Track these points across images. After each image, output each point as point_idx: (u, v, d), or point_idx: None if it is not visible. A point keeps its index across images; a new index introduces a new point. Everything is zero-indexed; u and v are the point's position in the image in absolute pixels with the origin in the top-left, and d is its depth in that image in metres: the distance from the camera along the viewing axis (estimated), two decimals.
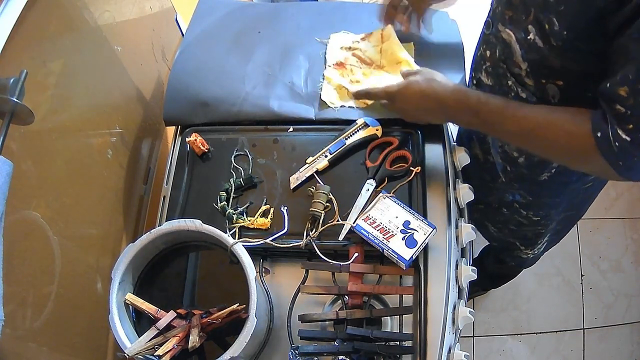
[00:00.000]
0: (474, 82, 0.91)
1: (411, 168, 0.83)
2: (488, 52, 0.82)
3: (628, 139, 0.55)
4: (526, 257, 1.17)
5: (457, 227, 0.83)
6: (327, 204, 0.81)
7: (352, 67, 0.97)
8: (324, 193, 0.80)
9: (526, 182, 0.91)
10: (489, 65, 0.83)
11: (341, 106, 0.92)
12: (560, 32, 0.61)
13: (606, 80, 0.57)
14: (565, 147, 0.64)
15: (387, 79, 0.94)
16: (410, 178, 0.82)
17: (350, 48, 1.00)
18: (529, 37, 0.67)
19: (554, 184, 0.87)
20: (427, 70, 0.81)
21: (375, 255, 0.78)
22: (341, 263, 0.76)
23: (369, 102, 0.92)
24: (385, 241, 0.75)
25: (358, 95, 0.90)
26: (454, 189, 0.86)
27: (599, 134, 0.58)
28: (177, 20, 1.18)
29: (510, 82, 0.77)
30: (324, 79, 0.96)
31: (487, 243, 1.30)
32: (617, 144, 0.57)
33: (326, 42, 1.02)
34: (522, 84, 0.75)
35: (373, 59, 0.98)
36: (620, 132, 0.56)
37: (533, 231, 1.04)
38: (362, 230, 0.76)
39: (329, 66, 0.97)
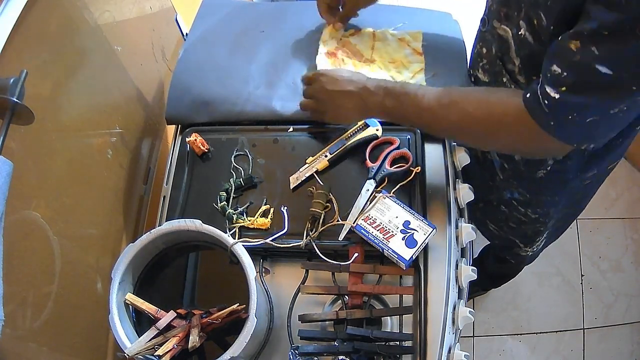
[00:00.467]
0: (472, 79, 0.92)
1: (411, 168, 0.83)
2: (484, 49, 0.83)
3: (557, 96, 0.56)
4: (525, 254, 1.17)
5: (457, 227, 0.83)
6: (327, 204, 0.81)
7: (344, 58, 0.97)
8: (324, 193, 0.80)
9: (524, 180, 0.91)
10: (486, 62, 0.83)
11: None
12: (547, 28, 0.61)
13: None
14: (499, 122, 0.65)
15: (378, 73, 0.95)
16: (410, 178, 0.82)
17: (341, 39, 1.01)
18: (520, 33, 0.68)
19: (551, 181, 0.87)
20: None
21: (375, 255, 0.78)
22: (341, 263, 0.76)
23: None
24: (385, 241, 0.75)
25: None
26: (454, 189, 0.85)
27: (527, 95, 0.60)
28: (177, 20, 1.17)
29: (505, 79, 0.77)
30: (315, 66, 0.96)
31: (487, 243, 1.31)
32: (546, 102, 0.57)
33: (321, 31, 1.02)
34: (515, 81, 0.75)
35: (363, 53, 0.99)
36: (549, 90, 0.56)
37: (532, 229, 1.04)
38: (362, 230, 0.76)
39: (321, 54, 0.97)
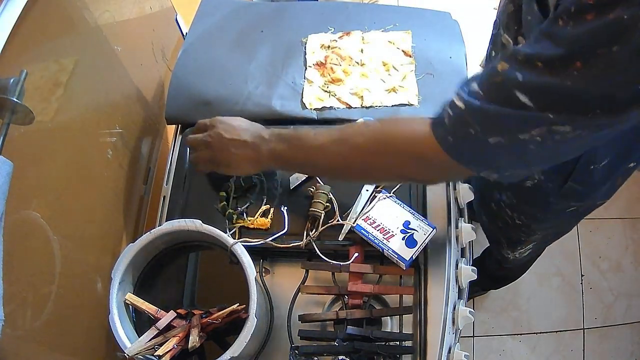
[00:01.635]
0: None
1: None
2: (493, 52, 0.82)
3: (463, 106, 0.51)
4: (508, 256, 1.17)
5: (457, 227, 0.83)
6: (327, 204, 0.81)
7: (333, 66, 0.97)
8: (324, 193, 0.80)
9: (512, 185, 0.90)
10: None
11: (322, 107, 0.92)
12: None
13: None
14: (408, 149, 0.60)
15: (371, 80, 0.95)
16: None
17: (329, 47, 1.00)
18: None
19: (536, 195, 0.86)
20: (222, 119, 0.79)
21: (375, 255, 0.78)
22: (341, 263, 0.76)
23: (352, 103, 0.92)
24: (385, 241, 0.75)
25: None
26: (454, 189, 0.86)
27: (435, 117, 0.55)
28: (177, 20, 1.17)
29: None
30: (305, 80, 0.96)
31: (488, 244, 1.30)
32: (450, 112, 0.53)
33: (305, 41, 1.02)
34: None
35: (353, 57, 0.99)
36: (457, 100, 0.52)
37: (516, 234, 1.04)
38: (362, 230, 0.76)
39: (310, 67, 0.98)
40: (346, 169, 0.68)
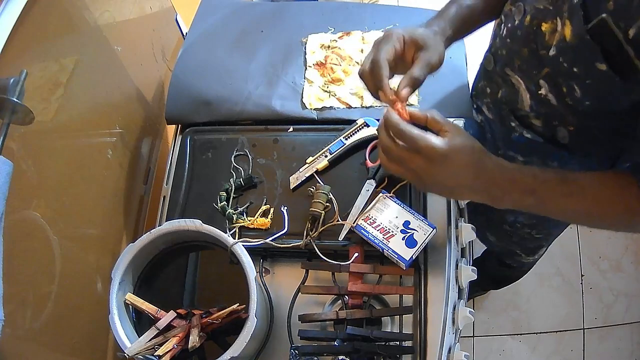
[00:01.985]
0: (475, 106, 0.88)
1: None
2: (489, 90, 0.79)
3: None
4: (527, 261, 1.17)
5: (457, 227, 0.83)
6: (327, 204, 0.81)
7: (333, 66, 0.97)
8: (324, 193, 0.80)
9: None
10: (490, 101, 0.80)
11: (322, 107, 0.92)
12: (581, 100, 0.56)
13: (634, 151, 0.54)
14: (620, 222, 0.60)
15: None
16: None
17: (329, 47, 1.00)
18: (540, 92, 0.63)
19: None
20: (459, 130, 0.56)
21: (375, 255, 0.78)
22: (341, 263, 0.76)
23: (352, 103, 0.92)
24: (385, 241, 0.75)
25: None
26: None
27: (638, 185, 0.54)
28: (177, 20, 1.18)
29: (513, 124, 0.74)
30: (305, 80, 0.96)
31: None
32: None
33: (305, 41, 1.02)
34: (528, 126, 0.71)
35: (353, 57, 0.99)
36: None
37: (535, 244, 1.03)
38: (362, 230, 0.76)
39: (310, 67, 0.98)
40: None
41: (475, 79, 0.90)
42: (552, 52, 0.57)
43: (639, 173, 0.53)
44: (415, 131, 0.53)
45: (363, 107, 0.92)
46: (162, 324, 0.69)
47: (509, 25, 0.68)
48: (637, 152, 0.55)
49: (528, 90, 0.66)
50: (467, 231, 0.82)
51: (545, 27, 0.59)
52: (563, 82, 0.58)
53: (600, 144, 0.60)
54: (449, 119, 0.58)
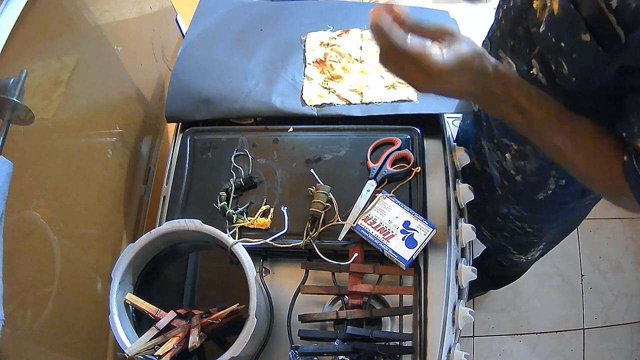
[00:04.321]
0: None
1: (412, 168, 0.83)
2: None
3: None
4: (519, 260, 1.17)
5: (457, 227, 0.83)
6: (327, 204, 0.81)
7: (332, 63, 0.98)
8: (324, 193, 0.80)
9: (522, 198, 0.90)
10: None
11: (322, 104, 0.93)
12: (568, 77, 0.57)
13: (622, 127, 0.54)
14: (599, 181, 0.60)
15: (370, 76, 0.95)
16: (410, 178, 0.82)
17: (328, 44, 1.01)
18: (531, 72, 0.63)
19: (550, 203, 0.86)
20: (458, 38, 0.55)
21: (375, 255, 0.78)
22: (341, 263, 0.76)
23: (351, 99, 0.92)
24: (385, 241, 0.75)
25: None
26: (454, 189, 0.85)
27: (625, 159, 0.54)
28: (177, 20, 1.18)
29: None
30: (304, 77, 0.96)
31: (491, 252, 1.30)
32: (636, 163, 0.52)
33: (304, 39, 1.02)
34: None
35: (352, 54, 0.99)
36: None
37: (527, 240, 1.03)
38: (362, 230, 0.76)
39: (309, 64, 0.98)
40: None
41: None
42: (542, 29, 0.58)
43: (629, 146, 0.54)
44: (416, 47, 0.52)
45: (363, 103, 0.92)
46: (162, 324, 0.69)
47: (505, 7, 0.69)
48: (628, 133, 0.55)
49: (520, 71, 0.67)
50: (467, 231, 0.82)
51: (536, 4, 0.60)
52: (551, 58, 0.59)
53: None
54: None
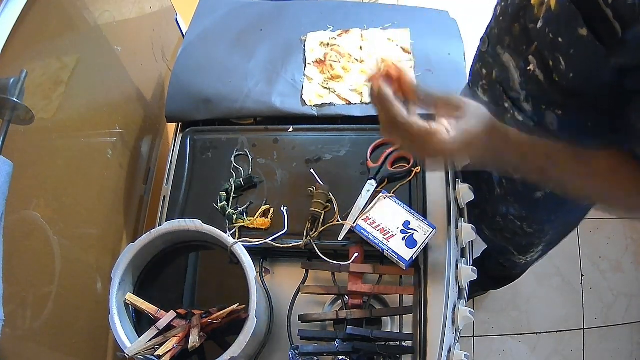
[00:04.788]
0: (471, 93, 0.88)
1: (412, 168, 0.83)
2: (484, 70, 0.79)
3: None
4: (519, 261, 1.17)
5: (457, 227, 0.83)
6: (327, 204, 0.81)
7: (332, 63, 0.98)
8: (324, 193, 0.80)
9: (521, 198, 0.89)
10: (485, 83, 0.80)
11: (322, 104, 0.93)
12: (565, 73, 0.57)
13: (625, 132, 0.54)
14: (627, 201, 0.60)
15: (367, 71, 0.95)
16: (410, 178, 0.82)
17: (328, 44, 1.01)
18: (528, 68, 0.63)
19: (549, 202, 0.85)
20: (477, 108, 0.54)
21: (375, 255, 0.78)
22: (341, 263, 0.76)
23: (351, 99, 0.92)
24: (385, 241, 0.75)
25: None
26: (454, 189, 0.85)
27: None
28: (177, 20, 1.18)
29: (507, 105, 0.74)
30: (304, 77, 0.96)
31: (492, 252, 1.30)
32: None
33: (304, 39, 1.03)
34: (519, 108, 0.71)
35: (352, 54, 0.99)
36: None
37: (527, 240, 1.03)
38: (362, 230, 0.76)
39: (309, 64, 0.98)
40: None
41: (472, 64, 0.90)
42: (539, 25, 0.58)
43: (637, 157, 0.54)
44: (420, 126, 0.51)
45: (362, 103, 0.93)
46: (162, 324, 0.69)
47: (503, 4, 0.69)
48: (635, 143, 0.54)
49: (517, 68, 0.67)
50: (467, 231, 0.82)
51: (534, 0, 0.60)
52: (549, 55, 0.58)
53: (590, 135, 0.61)
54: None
